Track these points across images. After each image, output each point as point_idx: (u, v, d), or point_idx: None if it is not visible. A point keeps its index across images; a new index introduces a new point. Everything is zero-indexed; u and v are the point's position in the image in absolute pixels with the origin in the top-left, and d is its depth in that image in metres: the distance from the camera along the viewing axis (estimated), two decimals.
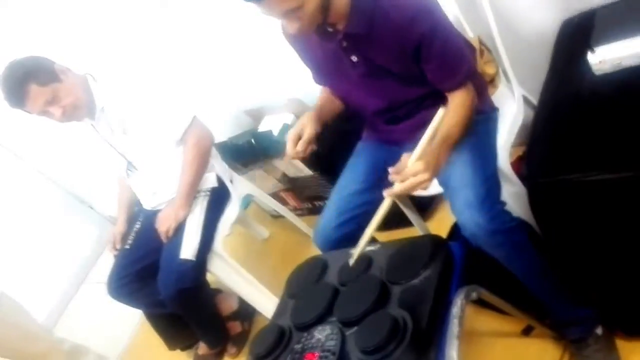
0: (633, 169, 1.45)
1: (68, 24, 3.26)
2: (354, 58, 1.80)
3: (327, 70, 1.96)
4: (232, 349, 3.02)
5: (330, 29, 1.75)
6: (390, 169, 1.60)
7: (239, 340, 3.04)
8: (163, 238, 2.64)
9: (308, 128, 1.88)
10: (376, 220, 1.62)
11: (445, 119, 1.71)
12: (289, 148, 1.88)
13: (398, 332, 1.42)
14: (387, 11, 1.67)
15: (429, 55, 1.72)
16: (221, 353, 3.04)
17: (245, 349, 3.02)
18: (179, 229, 2.63)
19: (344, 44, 1.77)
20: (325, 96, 2.09)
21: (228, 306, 3.09)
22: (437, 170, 1.65)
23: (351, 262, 1.66)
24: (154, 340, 3.04)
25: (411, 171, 1.56)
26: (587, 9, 1.95)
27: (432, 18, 1.68)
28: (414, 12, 1.65)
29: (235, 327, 3.07)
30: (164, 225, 2.63)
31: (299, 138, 1.88)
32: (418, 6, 1.66)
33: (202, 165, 2.70)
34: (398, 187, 1.58)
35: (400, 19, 1.66)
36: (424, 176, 1.56)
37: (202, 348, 3.05)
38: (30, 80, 2.38)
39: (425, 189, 1.61)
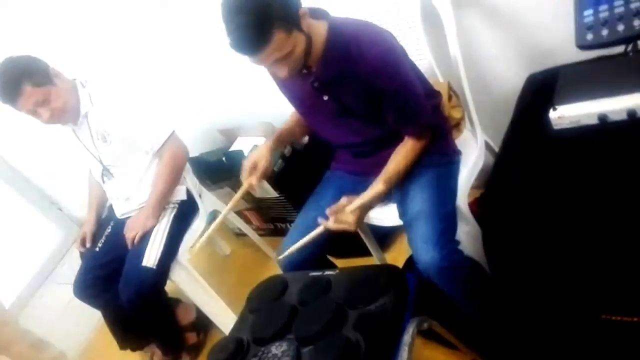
0: (581, 222, 1.54)
1: (65, 25, 3.29)
2: (325, 97, 1.90)
3: (301, 104, 2.06)
4: (185, 358, 3.05)
5: (305, 71, 1.85)
6: (329, 209, 1.84)
7: (194, 351, 3.08)
8: (129, 244, 2.68)
9: (263, 161, 2.10)
10: (307, 239, 1.92)
11: (396, 157, 1.92)
12: (243, 177, 2.12)
13: (351, 353, 1.49)
14: (356, 61, 1.75)
15: (391, 107, 1.83)
16: None
17: None
18: (145, 237, 2.68)
19: (316, 84, 1.87)
20: (290, 123, 2.24)
21: (186, 316, 3.12)
22: (362, 221, 1.95)
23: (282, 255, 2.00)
24: (113, 340, 3.03)
25: (343, 219, 1.84)
26: (552, 66, 2.05)
27: (397, 72, 1.78)
28: (381, 66, 1.74)
29: (191, 337, 3.10)
30: (131, 232, 2.68)
31: (254, 167, 2.10)
32: (386, 60, 1.75)
33: (175, 178, 2.76)
34: (331, 225, 1.86)
35: (367, 71, 1.75)
36: (350, 227, 1.85)
37: (156, 355, 3.07)
38: (26, 80, 2.41)
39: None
